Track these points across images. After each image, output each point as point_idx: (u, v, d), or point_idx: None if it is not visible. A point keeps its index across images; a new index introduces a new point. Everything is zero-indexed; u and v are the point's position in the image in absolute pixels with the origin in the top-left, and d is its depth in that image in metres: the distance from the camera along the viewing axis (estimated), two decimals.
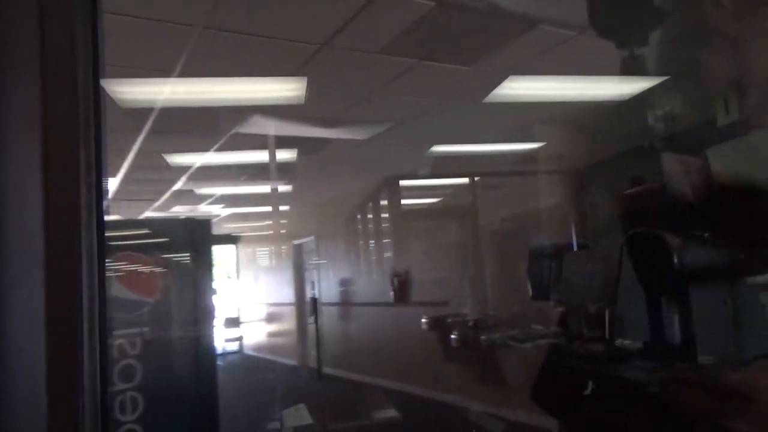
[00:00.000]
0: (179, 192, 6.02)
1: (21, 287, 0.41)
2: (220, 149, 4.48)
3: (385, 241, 7.24)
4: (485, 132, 4.58)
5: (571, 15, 2.60)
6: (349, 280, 7.99)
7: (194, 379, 3.15)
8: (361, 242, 7.84)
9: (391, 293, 6.61)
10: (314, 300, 8.43)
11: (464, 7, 2.51)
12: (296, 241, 9.23)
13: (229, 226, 9.71)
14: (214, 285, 3.83)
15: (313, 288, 8.65)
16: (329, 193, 7.43)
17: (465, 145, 5.04)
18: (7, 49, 0.43)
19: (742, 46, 0.63)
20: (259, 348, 10.28)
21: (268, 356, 9.91)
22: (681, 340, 0.52)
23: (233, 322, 10.24)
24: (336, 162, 5.48)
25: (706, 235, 0.53)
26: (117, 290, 2.98)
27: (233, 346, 10.11)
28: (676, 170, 0.74)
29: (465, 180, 6.18)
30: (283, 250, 9.69)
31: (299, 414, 2.55)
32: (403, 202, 6.88)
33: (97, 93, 0.44)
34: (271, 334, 10.23)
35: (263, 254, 10.64)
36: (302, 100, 3.39)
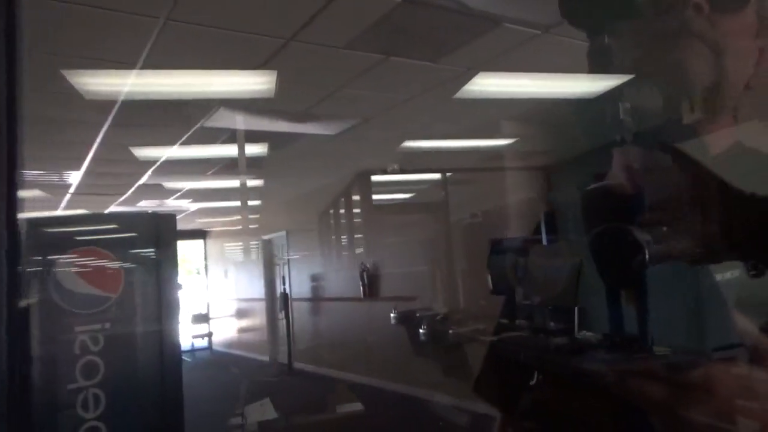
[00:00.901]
0: (146, 186, 5.92)
1: None
2: (187, 143, 4.42)
3: (356, 236, 7.25)
4: (456, 128, 4.62)
5: (536, 14, 2.64)
6: (319, 275, 7.98)
7: (158, 375, 3.11)
8: (332, 237, 7.82)
9: (361, 288, 6.63)
10: (285, 295, 8.40)
11: (430, 3, 2.53)
12: (266, 236, 9.16)
13: (199, 221, 9.59)
14: (180, 281, 3.79)
15: (283, 283, 8.61)
16: (300, 188, 7.39)
17: (435, 141, 5.08)
18: None
19: (715, 48, 0.66)
20: (229, 344, 10.19)
21: (239, 352, 9.83)
22: (640, 332, 0.55)
23: (202, 318, 10.13)
24: (306, 157, 5.46)
25: (665, 229, 0.55)
26: (78, 285, 2.93)
27: (202, 343, 10.00)
28: (618, 163, 0.76)
29: (436, 176, 6.22)
30: (253, 246, 9.61)
31: (263, 408, 2.53)
32: (375, 197, 6.89)
33: (12, 82, 0.43)
34: (242, 330, 10.15)
35: (233, 249, 10.53)
36: (272, 94, 3.36)
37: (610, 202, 0.75)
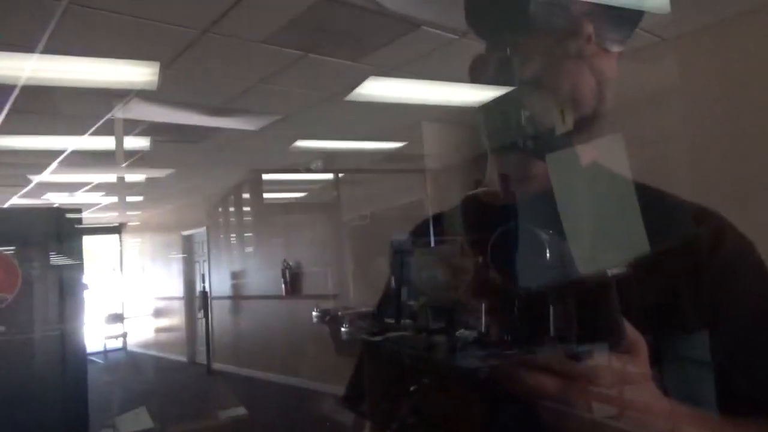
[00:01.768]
0: (51, 179, 5.55)
1: None
2: (96, 133, 4.19)
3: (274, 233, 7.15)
4: (353, 129, 4.67)
5: (453, 19, 2.71)
6: (240, 272, 7.81)
7: (59, 379, 2.95)
8: (251, 234, 7.69)
9: (283, 286, 6.56)
10: (204, 293, 8.14)
11: (348, 2, 2.53)
12: (185, 232, 8.86)
13: (113, 215, 9.11)
14: (86, 280, 3.59)
15: (203, 281, 8.35)
16: (219, 183, 7.19)
17: (333, 141, 5.12)
18: None
19: (597, 74, 0.72)
20: (146, 344, 9.77)
21: (155, 353, 9.44)
22: (519, 328, 0.57)
23: (116, 318, 9.64)
24: (223, 152, 5.32)
25: (551, 231, 0.58)
26: None
27: (116, 343, 9.52)
28: (493, 170, 0.80)
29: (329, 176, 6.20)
30: (171, 242, 9.25)
31: (138, 418, 2.43)
32: (274, 196, 6.90)
33: None
34: (159, 330, 9.75)
35: (151, 246, 10.08)
36: (155, 86, 3.19)
37: (483, 208, 0.78)
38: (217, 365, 7.82)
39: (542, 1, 0.69)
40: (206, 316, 8.05)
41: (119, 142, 4.14)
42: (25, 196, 6.45)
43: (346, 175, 5.94)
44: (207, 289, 8.20)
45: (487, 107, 0.75)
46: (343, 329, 5.09)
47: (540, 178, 0.65)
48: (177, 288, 9.07)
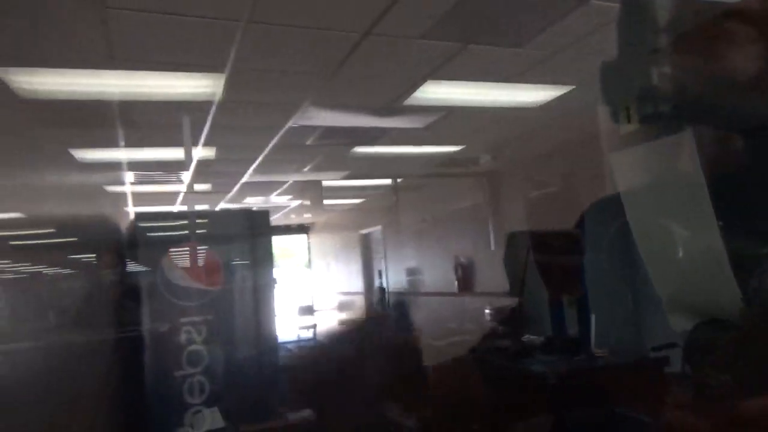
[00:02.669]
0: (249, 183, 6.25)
1: None
2: (278, 143, 4.58)
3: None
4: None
5: None
6: (414, 269, 7.99)
7: (255, 362, 3.27)
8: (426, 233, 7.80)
9: (456, 283, 6.55)
10: (381, 289, 8.50)
11: None
12: (363, 231, 9.34)
13: (304, 216, 9.95)
14: (276, 275, 3.94)
15: (380, 277, 8.73)
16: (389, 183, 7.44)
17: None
18: None
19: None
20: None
21: None
22: (580, 334, 0.49)
23: (307, 311, 10.52)
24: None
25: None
26: (183, 279, 3.10)
27: (308, 334, 10.37)
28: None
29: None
30: (351, 240, 9.82)
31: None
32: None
33: None
34: (343, 323, 10.40)
35: (333, 244, 10.84)
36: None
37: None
38: None
39: None
40: (384, 311, 8.39)
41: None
42: (229, 201, 7.36)
43: (513, 168, 5.73)
44: (384, 285, 8.56)
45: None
46: None
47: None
48: (357, 284, 9.60)
